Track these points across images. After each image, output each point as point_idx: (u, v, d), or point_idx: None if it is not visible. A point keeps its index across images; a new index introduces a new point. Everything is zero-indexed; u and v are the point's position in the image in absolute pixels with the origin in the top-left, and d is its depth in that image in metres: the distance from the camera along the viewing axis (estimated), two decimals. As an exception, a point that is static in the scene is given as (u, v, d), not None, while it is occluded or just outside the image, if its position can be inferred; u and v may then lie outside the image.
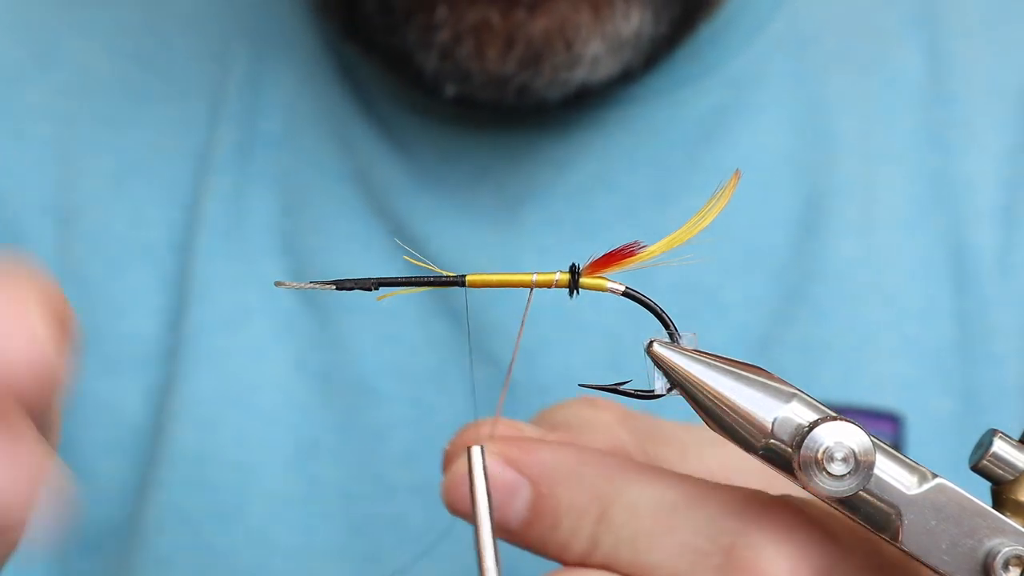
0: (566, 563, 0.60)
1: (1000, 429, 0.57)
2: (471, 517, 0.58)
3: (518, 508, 0.60)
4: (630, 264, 0.57)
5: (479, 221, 1.00)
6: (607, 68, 0.95)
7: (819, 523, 0.58)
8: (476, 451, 0.58)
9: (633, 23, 0.93)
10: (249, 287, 1.00)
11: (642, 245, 0.57)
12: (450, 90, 0.95)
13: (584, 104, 1.01)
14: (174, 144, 1.03)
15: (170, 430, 0.97)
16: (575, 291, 0.57)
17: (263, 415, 0.98)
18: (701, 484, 0.60)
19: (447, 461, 0.64)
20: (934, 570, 0.55)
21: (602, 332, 0.98)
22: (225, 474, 0.97)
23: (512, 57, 0.92)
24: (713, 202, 0.57)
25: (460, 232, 1.00)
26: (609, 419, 0.65)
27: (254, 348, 0.99)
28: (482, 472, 0.58)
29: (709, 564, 0.58)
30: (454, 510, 0.61)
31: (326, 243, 1.00)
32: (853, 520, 0.56)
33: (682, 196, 1.01)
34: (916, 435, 0.98)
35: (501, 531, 0.60)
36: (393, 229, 1.00)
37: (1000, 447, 0.56)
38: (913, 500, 0.55)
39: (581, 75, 0.94)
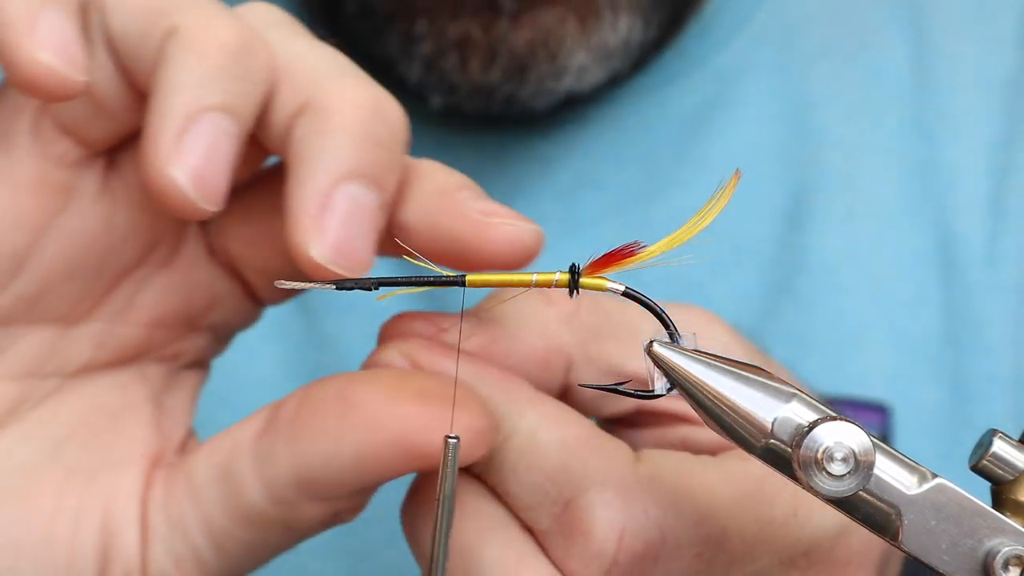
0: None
1: (1000, 429, 0.57)
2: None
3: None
4: (630, 264, 0.57)
5: None
6: (594, 77, 0.95)
7: (666, 495, 0.60)
8: (453, 443, 0.58)
9: (621, 32, 0.93)
10: None
11: (642, 245, 0.57)
12: (436, 101, 0.94)
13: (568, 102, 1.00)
14: None
15: None
16: (575, 291, 0.57)
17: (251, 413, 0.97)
18: (585, 431, 0.61)
19: (380, 340, 0.66)
20: (934, 570, 0.55)
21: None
22: None
23: (496, 69, 0.92)
24: (713, 202, 0.57)
25: None
26: (551, 316, 0.65)
27: (243, 347, 0.98)
28: (455, 462, 0.58)
29: (551, 511, 0.60)
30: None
31: None
32: (853, 519, 0.56)
33: (669, 192, 1.01)
34: (904, 426, 0.98)
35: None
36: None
37: (1000, 447, 0.56)
38: (913, 500, 0.55)
39: (567, 84, 0.94)
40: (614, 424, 0.68)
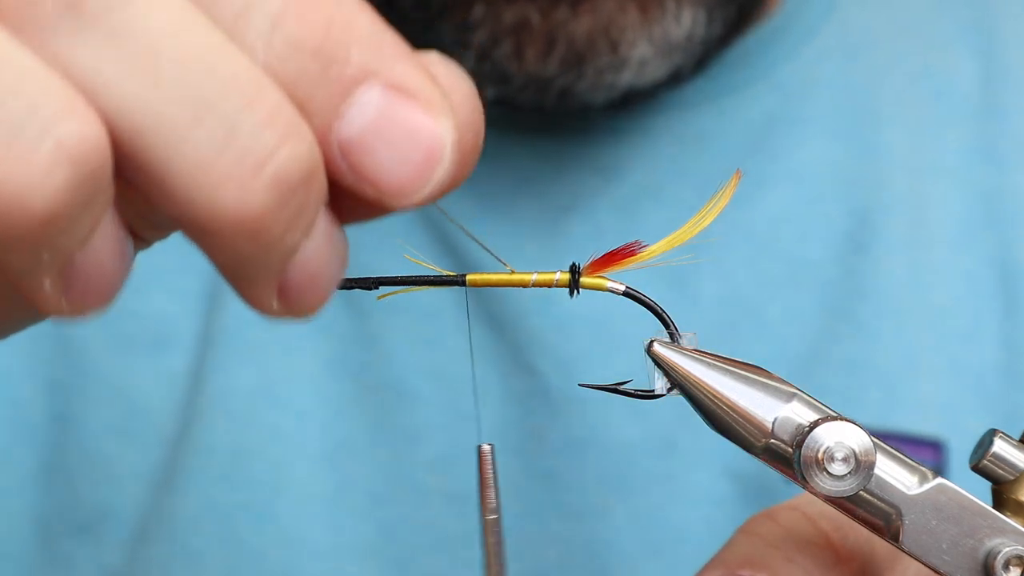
0: None
1: (1000, 429, 0.56)
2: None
3: None
4: (630, 263, 0.57)
5: (521, 229, 0.98)
6: (655, 71, 0.91)
7: None
8: (487, 448, 0.58)
9: (685, 25, 0.90)
10: None
11: (643, 245, 0.57)
12: (489, 93, 0.92)
13: (630, 110, 0.98)
14: None
15: (200, 421, 0.97)
16: (575, 291, 0.57)
17: (296, 411, 0.97)
18: None
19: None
20: (934, 570, 0.55)
21: (640, 344, 0.97)
22: (256, 470, 0.97)
23: (553, 58, 0.89)
24: (714, 202, 0.57)
25: (501, 240, 0.98)
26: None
27: (289, 343, 0.98)
28: (491, 470, 0.58)
29: None
30: None
31: (364, 242, 0.99)
32: (854, 519, 0.56)
33: (728, 209, 1.00)
34: (959, 461, 0.96)
35: None
36: (433, 233, 0.99)
37: (1000, 447, 0.56)
38: (913, 500, 0.55)
39: (627, 78, 0.91)
40: None
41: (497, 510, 0.58)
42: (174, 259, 0.98)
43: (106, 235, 0.45)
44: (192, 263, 0.99)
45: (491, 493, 0.58)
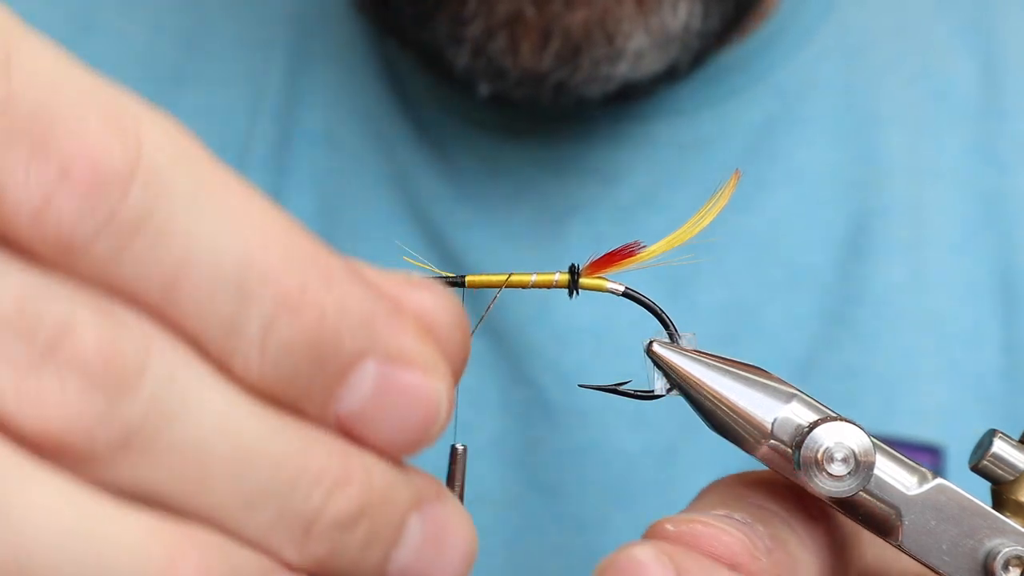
0: None
1: (1000, 429, 0.56)
2: None
3: None
4: (630, 264, 0.57)
5: (520, 235, 0.98)
6: (651, 64, 0.91)
7: None
8: (460, 448, 0.58)
9: (681, 16, 0.90)
10: None
11: (642, 245, 0.57)
12: (484, 89, 0.91)
13: (628, 111, 0.98)
14: (214, 133, 1.01)
15: None
16: (575, 291, 0.57)
17: None
18: None
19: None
20: (934, 570, 0.55)
21: (642, 355, 0.97)
22: None
23: (548, 52, 0.88)
24: (713, 202, 0.57)
25: (499, 246, 0.97)
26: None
27: None
28: (463, 471, 0.58)
29: None
30: None
31: (361, 247, 0.99)
32: (854, 519, 0.56)
33: (727, 213, 0.99)
34: (957, 466, 0.96)
35: None
36: (430, 238, 0.99)
37: (1000, 447, 0.56)
38: (913, 500, 0.55)
39: (623, 71, 0.90)
40: None
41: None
42: None
43: None
44: None
45: (457, 491, 0.58)
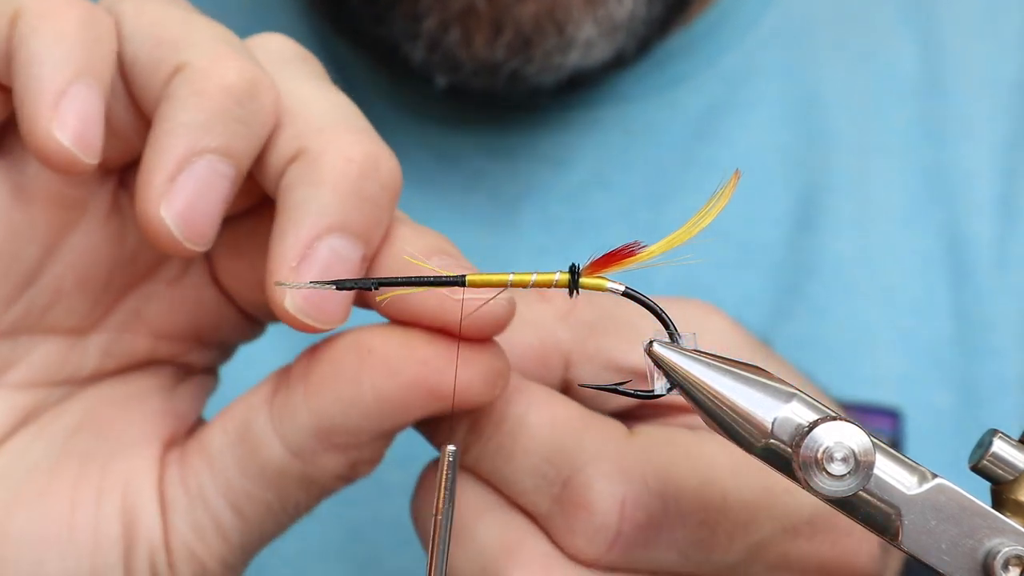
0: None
1: (1000, 429, 0.57)
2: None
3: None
4: (630, 264, 0.57)
5: (474, 222, 0.99)
6: (601, 52, 0.93)
7: (664, 465, 0.61)
8: (452, 451, 0.58)
9: (627, 5, 0.92)
10: None
11: (642, 245, 0.57)
12: (441, 81, 0.93)
13: (578, 99, 1.00)
14: None
15: None
16: (575, 291, 0.57)
17: None
18: (573, 411, 0.62)
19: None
20: (934, 570, 0.55)
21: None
22: None
23: (501, 43, 0.90)
24: (713, 202, 0.57)
25: (454, 234, 0.97)
26: (547, 313, 0.66)
27: (247, 349, 0.98)
28: (455, 472, 0.58)
29: (549, 492, 0.61)
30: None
31: None
32: (854, 519, 0.56)
33: (678, 195, 1.01)
34: (915, 430, 0.98)
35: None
36: None
37: (1000, 447, 0.56)
38: (913, 500, 0.55)
39: (574, 59, 0.92)
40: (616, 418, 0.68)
41: (446, 512, 0.58)
42: None
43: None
44: None
45: (447, 493, 0.58)
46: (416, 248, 0.61)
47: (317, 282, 0.58)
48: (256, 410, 0.63)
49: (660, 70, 1.02)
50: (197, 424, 0.68)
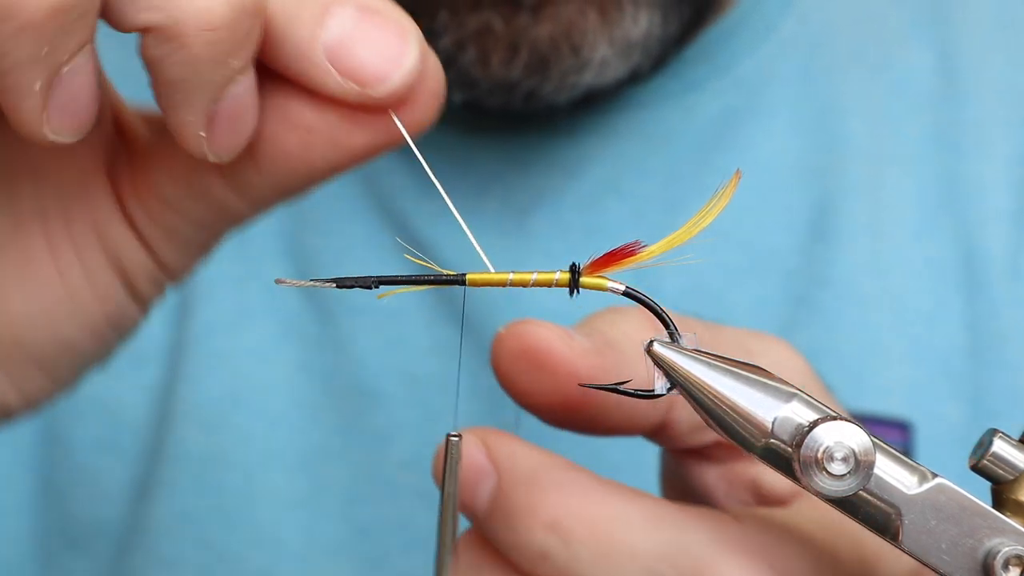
0: (518, 569, 0.59)
1: (1000, 429, 0.56)
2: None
3: (482, 496, 0.61)
4: (630, 264, 0.57)
5: (486, 227, 0.99)
6: (615, 71, 0.93)
7: (783, 548, 0.60)
8: (454, 441, 0.58)
9: (642, 25, 0.92)
10: (252, 288, 0.99)
11: (642, 245, 0.57)
12: (456, 97, 0.93)
13: (593, 108, 1.00)
14: None
15: (174, 431, 0.97)
16: (575, 291, 0.57)
17: (267, 417, 0.98)
18: (665, 505, 0.60)
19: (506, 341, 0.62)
20: (934, 570, 0.55)
21: None
22: (230, 475, 0.97)
23: (517, 63, 0.91)
24: (713, 202, 0.57)
25: (466, 238, 0.99)
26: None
27: (258, 349, 0.99)
28: (457, 460, 0.58)
29: None
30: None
31: (330, 245, 1.00)
32: (854, 519, 0.56)
33: (692, 201, 1.01)
34: (925, 442, 0.98)
35: (468, 514, 0.61)
36: (398, 233, 1.00)
37: (1000, 447, 0.56)
38: (913, 500, 0.55)
39: (589, 79, 0.93)
40: (685, 455, 0.67)
41: (455, 497, 0.58)
42: None
43: (86, 67, 0.54)
44: None
45: (451, 481, 0.58)
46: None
47: (317, 279, 0.58)
48: None
49: (675, 77, 1.02)
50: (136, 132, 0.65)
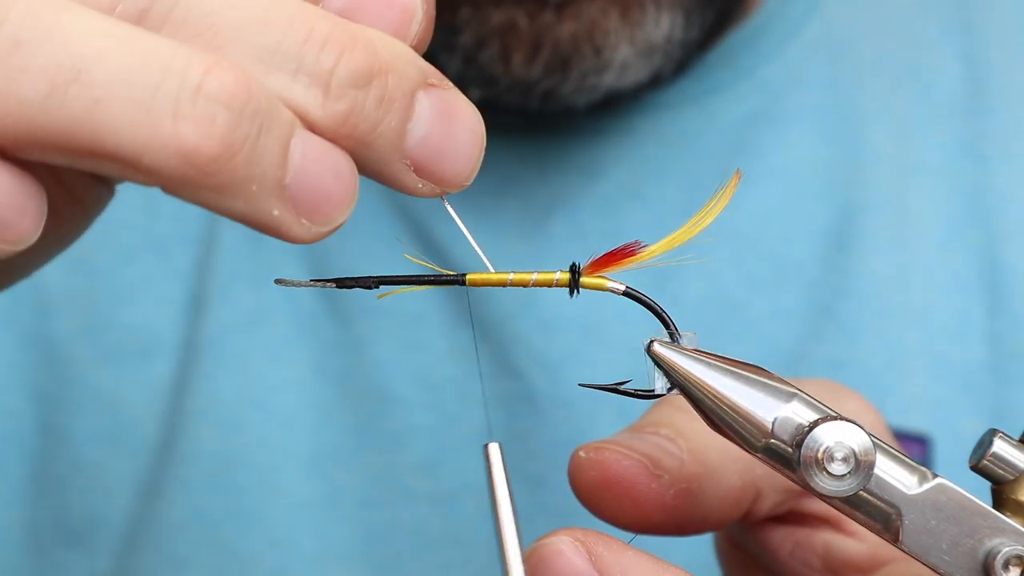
0: None
1: (1000, 429, 0.56)
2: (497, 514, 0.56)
3: None
4: (630, 264, 0.57)
5: (504, 230, 0.99)
6: (636, 74, 0.93)
7: None
8: (495, 447, 0.56)
9: (664, 28, 0.92)
10: (268, 287, 0.99)
11: (643, 245, 0.57)
12: (474, 95, 0.92)
13: (613, 110, 0.99)
14: None
15: (186, 429, 0.97)
16: (575, 290, 0.57)
17: (282, 417, 0.97)
18: None
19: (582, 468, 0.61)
20: (934, 570, 0.55)
21: (627, 346, 0.97)
22: (244, 475, 0.97)
23: (539, 62, 0.90)
24: (714, 202, 0.57)
25: (484, 240, 0.97)
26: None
27: (273, 349, 0.99)
28: (501, 468, 0.56)
29: None
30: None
31: (347, 245, 0.99)
32: (854, 519, 0.56)
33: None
34: (944, 457, 0.96)
35: None
36: (415, 234, 0.99)
37: (1000, 447, 0.56)
38: (913, 500, 0.55)
39: (609, 80, 0.92)
40: (759, 524, 0.67)
41: (510, 505, 0.56)
42: (157, 268, 0.99)
43: None
44: (176, 271, 0.99)
45: (500, 491, 0.56)
46: None
47: (317, 280, 0.58)
48: None
49: (698, 80, 1.01)
50: None
